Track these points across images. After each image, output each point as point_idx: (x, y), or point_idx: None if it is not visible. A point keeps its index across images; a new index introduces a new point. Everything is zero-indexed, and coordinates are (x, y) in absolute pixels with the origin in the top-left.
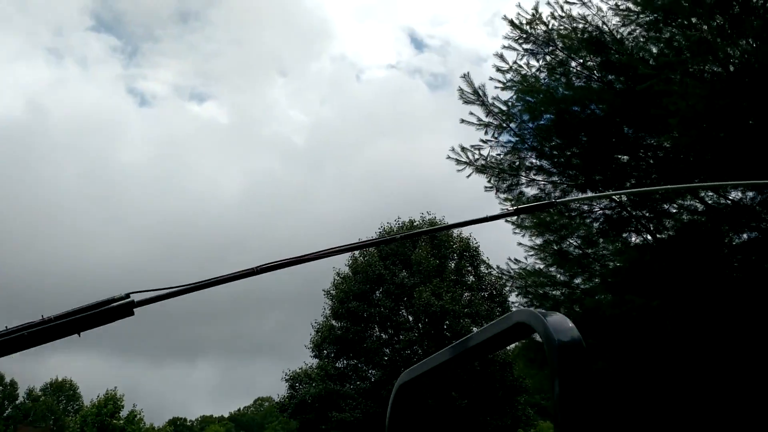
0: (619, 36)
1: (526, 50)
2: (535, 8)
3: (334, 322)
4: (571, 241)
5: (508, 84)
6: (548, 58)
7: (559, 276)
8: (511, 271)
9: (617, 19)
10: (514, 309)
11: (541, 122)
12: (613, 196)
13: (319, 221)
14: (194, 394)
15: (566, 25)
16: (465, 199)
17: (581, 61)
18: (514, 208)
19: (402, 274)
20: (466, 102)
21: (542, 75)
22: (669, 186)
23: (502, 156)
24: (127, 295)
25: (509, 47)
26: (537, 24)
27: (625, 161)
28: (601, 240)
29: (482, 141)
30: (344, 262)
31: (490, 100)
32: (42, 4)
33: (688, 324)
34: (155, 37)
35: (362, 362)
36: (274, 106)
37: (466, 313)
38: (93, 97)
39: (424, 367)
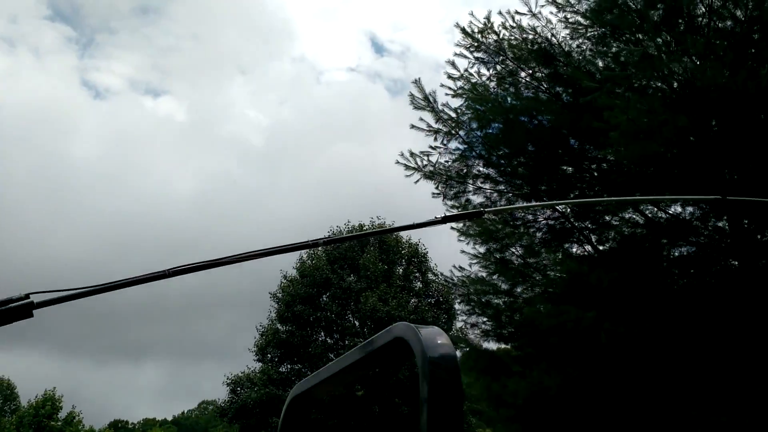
0: (567, 49)
1: (477, 59)
2: (487, 17)
3: (279, 325)
4: (514, 251)
5: (459, 91)
6: (498, 67)
7: (501, 285)
8: (455, 278)
9: (567, 31)
10: (463, 316)
11: (490, 131)
12: (557, 207)
13: (275, 224)
14: (139, 396)
15: (516, 36)
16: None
17: (530, 71)
18: (442, 216)
19: (349, 279)
20: (417, 108)
21: (492, 84)
22: (603, 198)
23: (450, 163)
24: (27, 296)
25: (461, 55)
26: (488, 33)
27: (570, 173)
28: (543, 250)
29: (431, 147)
30: (292, 264)
31: (440, 107)
32: None
33: (623, 336)
34: (111, 29)
35: (306, 367)
36: (233, 106)
37: (412, 320)
38: (46, 88)
39: (315, 380)
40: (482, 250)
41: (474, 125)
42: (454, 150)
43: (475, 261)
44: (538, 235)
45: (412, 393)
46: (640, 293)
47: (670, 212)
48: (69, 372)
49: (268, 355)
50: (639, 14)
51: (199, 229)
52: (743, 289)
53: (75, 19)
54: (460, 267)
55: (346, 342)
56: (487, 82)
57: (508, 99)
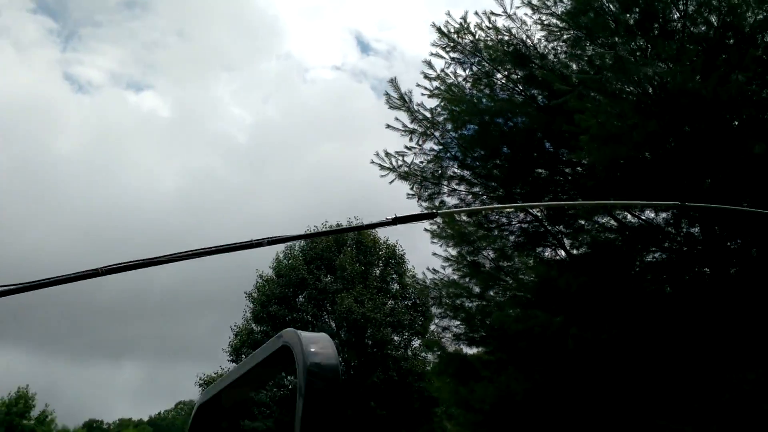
0: (543, 51)
1: (453, 59)
2: (464, 18)
3: (254, 326)
4: (487, 254)
5: (435, 92)
6: (474, 68)
7: (474, 288)
8: (427, 280)
9: (543, 33)
10: (435, 319)
11: (465, 132)
12: (530, 210)
13: (259, 222)
14: (116, 396)
15: (492, 37)
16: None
17: (506, 73)
18: (393, 217)
19: (326, 279)
20: (392, 107)
21: (467, 85)
22: (556, 203)
23: (425, 164)
24: None
25: (437, 55)
26: (464, 34)
27: (545, 176)
28: (515, 254)
29: (407, 147)
30: (268, 264)
31: (415, 107)
32: None
33: (590, 342)
34: (96, 23)
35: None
36: (218, 103)
37: (388, 322)
38: (28, 81)
39: (218, 387)
40: (454, 252)
41: (449, 126)
42: (429, 151)
43: (447, 264)
44: (512, 238)
45: (387, 396)
46: (609, 299)
47: (643, 218)
48: (46, 370)
49: (243, 356)
50: (614, 18)
51: (182, 226)
52: (714, 297)
53: (59, 12)
54: (434, 269)
55: None
56: (463, 82)
57: (483, 100)
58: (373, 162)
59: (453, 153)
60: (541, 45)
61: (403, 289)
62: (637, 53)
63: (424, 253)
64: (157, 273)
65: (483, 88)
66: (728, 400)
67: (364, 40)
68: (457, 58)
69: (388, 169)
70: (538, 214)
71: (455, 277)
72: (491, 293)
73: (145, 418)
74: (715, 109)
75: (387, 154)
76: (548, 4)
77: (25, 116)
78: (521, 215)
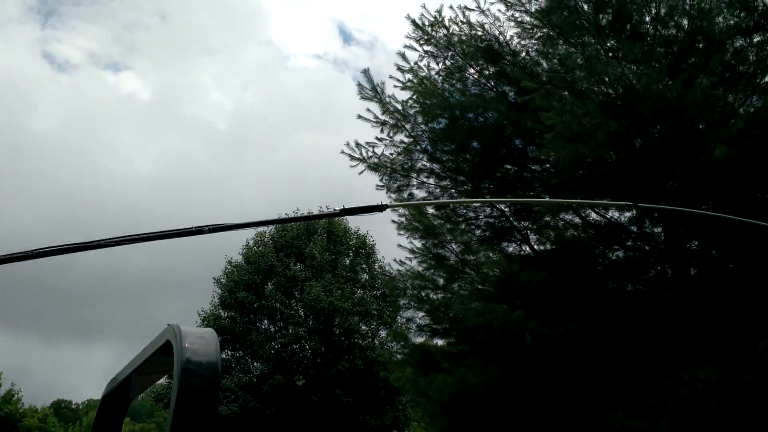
0: (515, 48)
1: (426, 52)
2: (438, 11)
3: (221, 311)
4: (453, 247)
5: (407, 84)
6: (447, 62)
7: (439, 280)
8: (393, 271)
9: (516, 30)
10: (401, 310)
11: (435, 126)
12: (495, 205)
13: (237, 208)
14: (86, 377)
15: (465, 32)
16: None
17: (478, 68)
18: (341, 208)
19: (295, 267)
20: (364, 98)
21: (440, 79)
22: (508, 199)
23: (395, 156)
24: None
25: (410, 47)
26: (439, 27)
27: (513, 172)
28: (481, 248)
29: (377, 139)
30: (238, 250)
31: (387, 99)
32: None
33: (549, 337)
34: (75, 1)
35: (248, 354)
36: (198, 88)
37: (357, 311)
38: (5, 58)
39: (120, 377)
40: (419, 244)
41: (420, 119)
42: (399, 143)
43: (413, 256)
44: (478, 232)
45: (354, 384)
46: (570, 295)
47: (608, 216)
48: (17, 350)
49: None
50: (586, 18)
51: (159, 210)
52: (674, 297)
53: None
54: (401, 261)
55: (290, 330)
56: (436, 76)
57: (455, 95)
58: (343, 152)
59: (423, 146)
60: (514, 42)
61: (373, 279)
62: (609, 54)
63: (395, 245)
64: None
65: (455, 82)
66: (681, 396)
67: (346, 30)
68: (431, 52)
69: (359, 159)
70: (505, 209)
71: (420, 269)
72: (455, 286)
73: None
74: (679, 112)
75: (357, 144)
76: (522, 1)
77: (1, 93)
78: (488, 210)
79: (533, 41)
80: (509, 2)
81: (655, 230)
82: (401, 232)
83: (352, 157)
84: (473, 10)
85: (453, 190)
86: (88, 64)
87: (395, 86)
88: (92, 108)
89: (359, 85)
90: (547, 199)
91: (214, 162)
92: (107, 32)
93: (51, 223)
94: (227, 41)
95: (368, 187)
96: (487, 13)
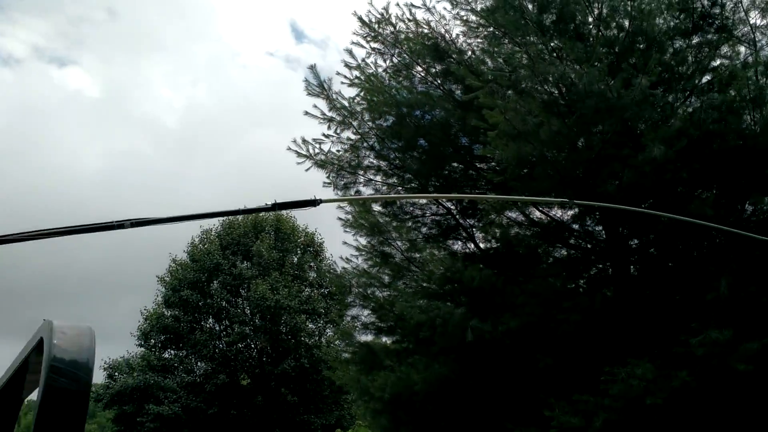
0: (461, 46)
1: (373, 49)
2: (386, 8)
3: (165, 310)
4: (398, 244)
5: (355, 81)
6: (395, 59)
7: (385, 278)
8: (338, 269)
9: (462, 29)
10: (349, 308)
11: (382, 123)
12: (442, 202)
13: (187, 207)
14: None
15: (412, 29)
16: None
17: (425, 66)
18: (272, 202)
19: (242, 266)
20: (311, 94)
21: (387, 76)
22: (450, 195)
23: (342, 153)
24: None
25: (358, 44)
26: (386, 24)
27: (460, 170)
28: (427, 245)
29: (324, 135)
30: (182, 248)
31: (334, 96)
32: None
33: (491, 335)
34: None
35: (191, 353)
36: (147, 84)
37: (304, 310)
38: None
39: (6, 375)
40: (364, 242)
41: (367, 116)
42: (346, 140)
43: (359, 253)
44: (424, 230)
45: (300, 383)
46: (512, 293)
47: (551, 215)
48: None
49: (152, 340)
50: (530, 18)
51: (106, 208)
52: (616, 294)
53: None
54: (347, 258)
55: (235, 329)
56: (383, 73)
57: (403, 92)
58: (290, 149)
59: (370, 143)
60: (460, 40)
61: (321, 277)
62: (553, 54)
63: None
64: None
65: (402, 80)
66: (616, 393)
67: (298, 28)
68: (378, 49)
69: (305, 156)
70: (452, 207)
71: (366, 266)
72: (400, 284)
73: None
74: (619, 112)
75: (304, 141)
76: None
77: None
78: (434, 207)
79: (479, 40)
80: (455, 1)
81: (597, 228)
82: (347, 230)
83: (299, 154)
84: (419, 7)
85: (400, 188)
86: (33, 58)
87: (342, 83)
88: (37, 103)
89: (306, 81)
90: (480, 195)
91: (163, 160)
92: (52, 26)
93: None
94: (177, 37)
95: (319, 186)
96: (433, 11)
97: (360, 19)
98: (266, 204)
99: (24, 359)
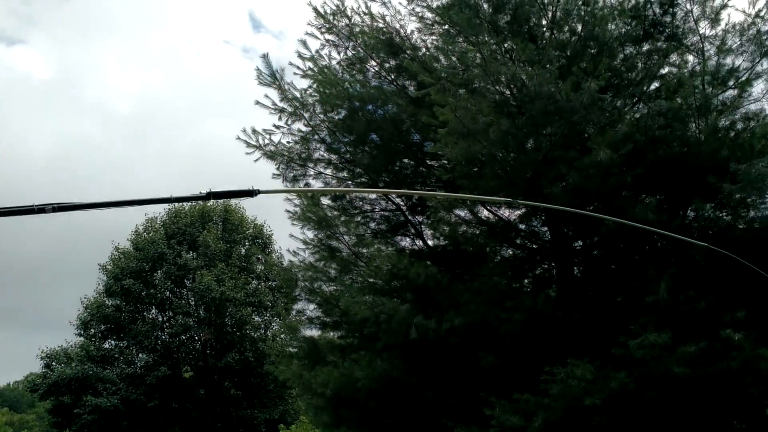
0: (416, 42)
1: (328, 41)
2: (341, 0)
3: (106, 299)
4: (346, 239)
5: (308, 72)
6: (349, 52)
7: (331, 272)
8: (284, 262)
9: (417, 25)
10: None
11: (334, 116)
12: (391, 198)
13: (137, 194)
14: None
15: (368, 23)
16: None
17: (379, 61)
18: (207, 191)
19: (187, 256)
20: (263, 84)
21: (340, 69)
22: (399, 190)
23: (292, 144)
24: None
25: (312, 35)
26: (341, 16)
27: (411, 166)
28: (375, 241)
29: (275, 126)
30: (127, 236)
31: (286, 86)
32: None
33: (435, 332)
34: None
35: (132, 344)
36: (99, 68)
37: (250, 302)
38: None
39: None
40: (311, 235)
41: (319, 109)
42: (297, 132)
43: (306, 247)
44: (372, 225)
45: (243, 376)
46: (458, 291)
47: (498, 214)
48: None
49: (92, 330)
50: (485, 17)
51: (54, 194)
52: (559, 294)
53: None
54: (295, 252)
55: (179, 320)
56: (337, 66)
57: (356, 86)
58: (239, 138)
59: (321, 136)
60: (414, 36)
61: (268, 269)
62: (507, 54)
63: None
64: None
65: (355, 73)
66: (556, 393)
67: (256, 18)
68: (332, 41)
69: (255, 146)
70: (401, 203)
71: (313, 260)
72: (347, 279)
73: None
74: (568, 114)
75: (254, 131)
76: None
77: None
78: (383, 203)
79: (433, 37)
80: None
81: (542, 229)
82: (295, 223)
83: (249, 144)
84: (375, 1)
85: (350, 182)
86: None
87: (295, 74)
88: None
89: (258, 70)
90: (429, 192)
91: (113, 146)
92: (2, 3)
93: None
94: (131, 21)
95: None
96: (389, 5)
97: (315, 9)
98: (200, 192)
99: None
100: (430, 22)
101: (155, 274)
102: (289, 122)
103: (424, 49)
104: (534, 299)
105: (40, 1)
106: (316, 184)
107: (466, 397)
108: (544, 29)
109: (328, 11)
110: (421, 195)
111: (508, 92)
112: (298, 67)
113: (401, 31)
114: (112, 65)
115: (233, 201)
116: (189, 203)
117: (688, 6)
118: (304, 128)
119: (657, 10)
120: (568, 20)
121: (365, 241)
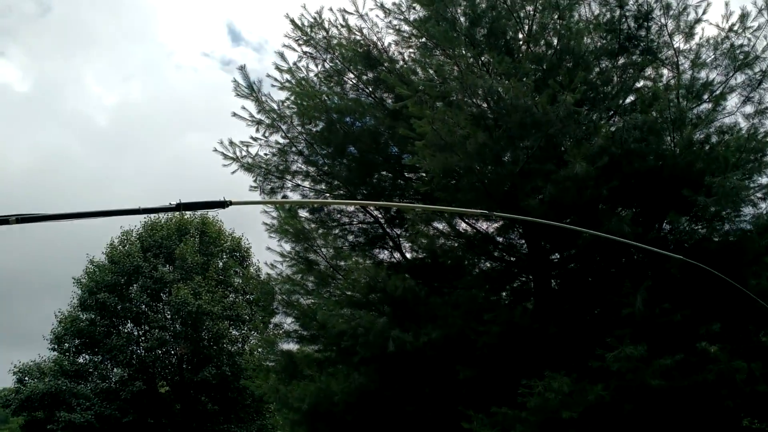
0: (393, 55)
1: (305, 53)
2: (319, 13)
3: (80, 313)
4: (324, 251)
5: (285, 84)
6: (327, 65)
7: (309, 285)
8: (262, 275)
9: (395, 38)
10: (274, 316)
11: (312, 128)
12: (370, 211)
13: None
14: None
15: (345, 35)
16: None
17: (357, 73)
18: (176, 203)
19: (164, 269)
20: (240, 95)
21: (318, 81)
22: (377, 202)
23: (269, 157)
24: None
25: (289, 47)
26: (318, 29)
27: (388, 178)
28: (353, 253)
29: (252, 138)
30: (102, 249)
31: (263, 98)
32: None
33: (413, 344)
34: None
35: (107, 359)
36: (78, 81)
37: (227, 316)
38: None
39: None
40: (288, 248)
41: (296, 121)
42: (275, 144)
43: (283, 260)
44: (350, 238)
45: (220, 391)
46: (435, 304)
47: (477, 227)
48: None
49: (66, 345)
50: (462, 30)
51: (33, 207)
52: (536, 307)
53: None
54: (272, 265)
55: (155, 334)
56: (315, 78)
57: (333, 98)
58: (216, 150)
59: (299, 148)
60: (392, 49)
61: (246, 283)
62: (484, 67)
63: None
64: None
65: (333, 85)
66: (534, 406)
67: (235, 30)
68: (310, 53)
69: (232, 158)
70: (379, 215)
71: (290, 272)
72: (324, 292)
73: None
74: (544, 127)
75: (231, 143)
76: (401, 9)
77: None
78: (361, 216)
79: (411, 50)
80: (387, 9)
81: (519, 242)
82: (272, 235)
83: (226, 156)
84: (352, 14)
85: (328, 194)
86: None
87: (273, 86)
88: None
89: (235, 82)
90: (405, 204)
91: (92, 159)
92: None
93: None
94: (110, 34)
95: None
96: (366, 18)
97: (293, 21)
98: (170, 204)
99: None
100: (407, 35)
101: (131, 288)
102: (266, 134)
103: (401, 62)
104: (511, 312)
105: (18, 14)
106: (294, 197)
107: (443, 411)
108: (521, 42)
109: (306, 23)
110: (399, 207)
111: (485, 105)
112: (276, 79)
113: (379, 43)
114: (91, 78)
115: (211, 213)
116: (165, 215)
117: (663, 20)
118: (281, 140)
119: (632, 24)
120: (544, 34)
121: (343, 253)
